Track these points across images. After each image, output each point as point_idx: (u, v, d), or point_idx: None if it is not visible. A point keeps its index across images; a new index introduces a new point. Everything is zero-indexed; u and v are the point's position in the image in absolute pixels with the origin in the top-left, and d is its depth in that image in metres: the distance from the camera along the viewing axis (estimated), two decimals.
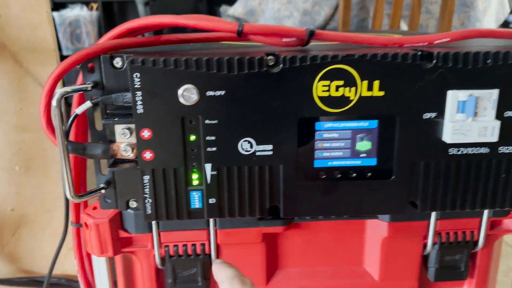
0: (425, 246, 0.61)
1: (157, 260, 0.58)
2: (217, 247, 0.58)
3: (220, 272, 0.43)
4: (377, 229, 0.59)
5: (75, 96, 0.47)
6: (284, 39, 0.46)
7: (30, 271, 0.77)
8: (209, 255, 0.58)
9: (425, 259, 0.62)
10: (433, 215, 0.58)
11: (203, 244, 0.57)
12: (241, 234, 0.57)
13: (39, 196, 0.74)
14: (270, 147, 0.44)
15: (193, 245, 0.58)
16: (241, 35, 0.45)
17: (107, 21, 3.51)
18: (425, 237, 0.60)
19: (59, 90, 0.42)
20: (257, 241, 0.58)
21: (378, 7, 1.55)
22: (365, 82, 0.43)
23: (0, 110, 0.68)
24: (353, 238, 0.61)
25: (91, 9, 3.58)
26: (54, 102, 0.42)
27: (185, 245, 0.57)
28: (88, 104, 0.44)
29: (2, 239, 0.75)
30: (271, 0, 1.67)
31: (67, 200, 0.48)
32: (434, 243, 0.60)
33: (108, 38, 0.46)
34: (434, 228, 0.59)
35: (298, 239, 0.60)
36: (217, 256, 0.59)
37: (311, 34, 0.45)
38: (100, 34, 3.52)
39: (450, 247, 0.60)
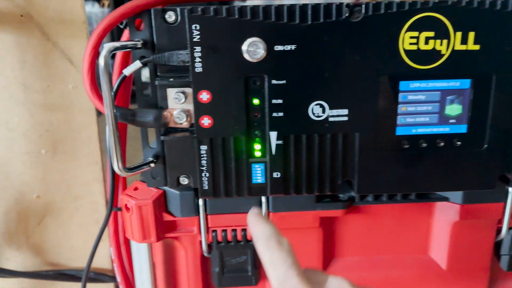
0: (498, 231, 0.54)
1: (204, 247, 0.52)
2: None
3: (255, 227, 0.37)
4: (447, 212, 0.53)
5: (118, 57, 0.41)
6: None
7: (57, 263, 0.72)
8: None
9: (496, 246, 0.56)
10: (510, 195, 0.51)
11: None
12: (297, 218, 0.51)
13: (67, 182, 0.68)
14: (345, 111, 0.39)
15: (243, 230, 0.52)
16: None
17: None
18: (499, 221, 0.54)
19: (107, 45, 0.36)
20: (314, 225, 0.52)
21: None
22: (459, 34, 0.37)
23: (25, 88, 0.63)
24: (419, 223, 0.55)
25: (103, 6, 3.56)
26: (101, 60, 0.36)
27: (234, 230, 0.52)
28: (137, 64, 0.38)
29: (27, 229, 0.69)
30: None
31: (113, 175, 0.42)
32: (509, 228, 0.54)
33: None
34: (510, 210, 0.52)
35: (358, 224, 0.54)
36: None
37: None
38: (112, 31, 3.48)
39: None
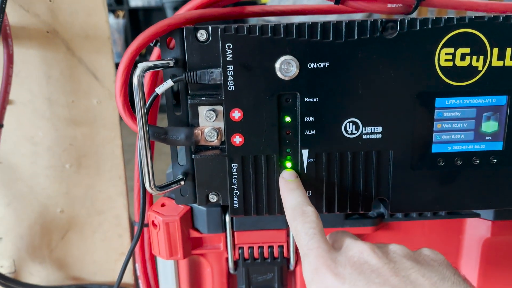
0: None
1: (230, 264, 0.52)
2: (297, 250, 0.52)
3: (283, 196, 0.38)
4: (478, 228, 0.52)
5: (147, 76, 0.41)
6: (389, 5, 0.40)
7: (80, 277, 0.72)
8: (288, 258, 0.52)
9: None
10: None
11: (281, 246, 0.51)
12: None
13: (91, 197, 0.68)
14: (379, 129, 0.38)
15: (270, 247, 0.51)
16: (340, 1, 0.39)
17: (133, 29, 3.52)
18: None
19: (141, 64, 0.36)
20: None
21: None
22: (496, 50, 0.36)
23: (51, 102, 0.63)
24: (449, 240, 0.54)
25: (117, 16, 3.60)
26: (135, 79, 0.36)
27: (261, 247, 0.51)
28: (169, 83, 0.38)
29: (51, 243, 0.70)
30: None
31: (144, 193, 0.42)
32: None
33: (187, 9, 0.41)
34: None
35: (387, 241, 0.53)
36: (296, 262, 0.52)
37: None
38: (127, 42, 3.53)
39: None
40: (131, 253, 0.46)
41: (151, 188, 0.38)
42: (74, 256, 0.71)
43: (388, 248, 0.34)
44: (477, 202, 0.40)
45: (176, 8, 2.50)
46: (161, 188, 0.39)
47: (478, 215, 0.51)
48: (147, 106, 0.39)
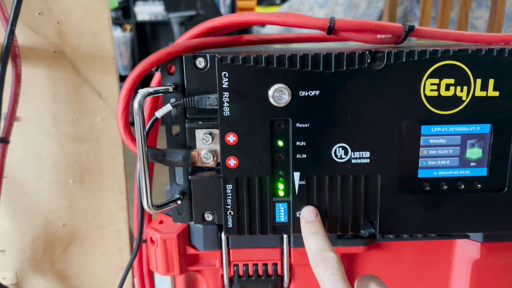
0: None
1: (225, 280, 0.53)
2: (291, 268, 0.53)
3: (304, 239, 0.39)
4: (467, 250, 0.53)
5: (148, 100, 0.44)
6: (379, 36, 0.42)
7: None
8: (282, 276, 0.53)
9: None
10: None
11: (275, 264, 0.53)
12: None
13: (93, 211, 0.70)
14: (367, 154, 0.40)
15: (265, 264, 0.53)
16: (331, 31, 0.41)
17: (139, 42, 3.57)
18: None
19: (142, 91, 0.38)
20: None
21: (424, 22, 1.51)
22: (479, 81, 0.38)
23: (56, 120, 0.66)
24: (439, 260, 0.55)
25: (125, 30, 3.66)
26: (135, 104, 0.38)
27: (255, 265, 0.53)
28: (169, 107, 0.40)
29: (53, 256, 0.71)
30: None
31: (142, 212, 0.44)
32: None
33: (187, 37, 0.43)
34: None
35: (379, 261, 0.55)
36: (290, 279, 0.53)
37: (410, 30, 0.41)
38: (133, 55, 3.58)
39: None
40: (129, 267, 0.47)
41: (149, 208, 0.40)
42: (76, 269, 0.73)
43: None
44: (463, 225, 0.42)
45: (182, 23, 2.55)
46: (158, 207, 0.41)
47: (468, 237, 0.52)
48: (146, 129, 0.41)
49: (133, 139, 0.41)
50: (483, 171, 0.40)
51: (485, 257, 0.52)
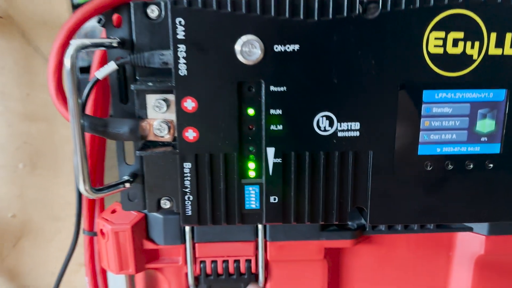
0: None
1: (190, 280, 0.46)
2: (266, 265, 0.46)
3: None
4: (470, 244, 0.47)
5: (96, 57, 0.36)
6: None
7: None
8: (256, 274, 0.46)
9: None
10: None
11: (248, 261, 0.45)
12: (298, 248, 0.45)
13: (47, 201, 0.63)
14: (357, 125, 0.33)
15: (236, 261, 0.45)
16: None
17: None
18: None
19: (74, 42, 0.31)
20: (318, 257, 0.45)
21: None
22: (494, 35, 0.31)
23: (3, 95, 0.58)
24: (437, 257, 0.49)
25: None
26: (67, 60, 0.30)
27: (225, 261, 0.45)
28: (112, 65, 0.33)
29: (2, 251, 0.63)
30: None
31: (79, 197, 0.36)
32: None
33: None
34: None
35: (369, 256, 0.48)
36: (266, 278, 0.46)
37: None
38: None
39: None
40: (66, 264, 0.40)
41: (86, 191, 0.32)
42: (28, 266, 0.65)
43: None
44: (470, 214, 0.35)
45: None
46: (99, 190, 0.33)
47: (470, 229, 0.46)
48: (85, 93, 0.33)
49: (66, 104, 0.33)
50: (495, 148, 0.34)
51: (490, 253, 0.46)
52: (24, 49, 0.57)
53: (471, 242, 0.47)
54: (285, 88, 0.32)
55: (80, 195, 0.36)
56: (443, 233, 0.47)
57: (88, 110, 0.37)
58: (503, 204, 0.35)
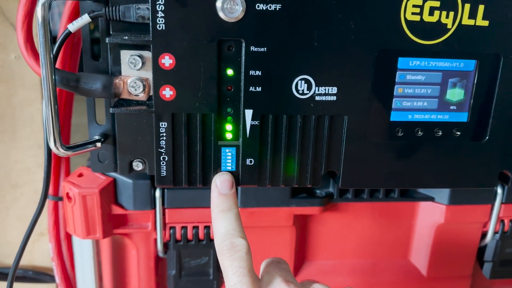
0: (483, 236, 0.51)
1: (159, 246, 0.45)
2: None
3: (213, 213, 0.33)
4: (431, 213, 0.49)
5: (66, 9, 0.34)
6: None
7: None
8: None
9: (479, 252, 0.52)
10: (499, 197, 0.48)
11: None
12: (268, 215, 0.45)
13: (4, 167, 0.59)
14: (334, 89, 0.33)
15: (206, 227, 0.45)
16: None
17: None
18: (485, 225, 0.50)
19: None
20: (287, 224, 0.46)
21: None
22: (468, 6, 0.32)
23: None
24: (400, 225, 0.51)
25: None
26: (39, 11, 0.29)
27: (195, 227, 0.45)
28: (86, 18, 0.31)
29: None
30: None
31: (49, 155, 0.34)
32: (494, 232, 0.50)
33: None
34: (498, 213, 0.48)
35: (335, 224, 0.49)
36: None
37: None
38: None
39: None
40: (31, 229, 0.38)
41: (57, 148, 0.31)
42: None
43: None
44: (436, 180, 0.36)
45: None
46: (70, 148, 0.32)
47: (432, 199, 0.48)
48: (56, 46, 0.31)
49: (37, 56, 0.32)
50: (463, 116, 0.35)
51: (449, 222, 0.48)
52: None
53: (432, 211, 0.49)
54: (265, 49, 0.31)
55: (49, 156, 0.34)
56: (406, 203, 0.49)
57: (59, 65, 0.35)
58: (468, 171, 0.36)
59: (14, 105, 0.57)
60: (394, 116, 0.34)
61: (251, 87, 0.32)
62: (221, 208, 0.32)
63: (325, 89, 0.33)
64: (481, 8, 0.32)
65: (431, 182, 0.36)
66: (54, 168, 0.44)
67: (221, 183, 0.33)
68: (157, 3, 0.30)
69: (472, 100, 0.35)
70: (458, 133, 0.35)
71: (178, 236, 0.45)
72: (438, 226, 0.48)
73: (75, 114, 0.44)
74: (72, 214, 0.42)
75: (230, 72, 0.32)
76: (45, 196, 0.36)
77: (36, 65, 0.32)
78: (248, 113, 0.33)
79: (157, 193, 0.43)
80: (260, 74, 0.32)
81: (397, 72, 0.33)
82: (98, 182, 0.41)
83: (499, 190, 0.47)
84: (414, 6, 0.32)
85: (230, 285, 0.30)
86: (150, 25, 0.30)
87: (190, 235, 0.45)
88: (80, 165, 0.44)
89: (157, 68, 0.31)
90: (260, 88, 0.32)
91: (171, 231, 0.45)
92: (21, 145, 0.59)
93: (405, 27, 0.32)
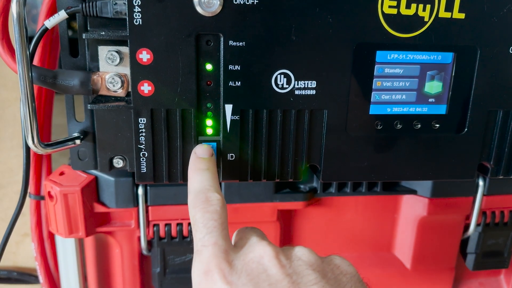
0: (465, 228, 0.51)
1: (143, 244, 0.45)
2: None
3: (189, 172, 0.31)
4: (414, 206, 0.49)
5: (44, 6, 0.34)
6: None
7: None
8: None
9: (463, 244, 0.53)
10: (481, 189, 0.48)
11: None
12: (252, 210, 0.45)
13: None
14: (313, 84, 0.33)
15: (190, 224, 0.45)
16: None
17: None
18: (467, 217, 0.50)
19: None
20: (271, 219, 0.46)
21: None
22: None
23: None
24: (383, 218, 0.51)
25: None
26: (14, 6, 0.28)
27: (179, 224, 0.45)
28: (62, 14, 0.31)
29: None
30: None
31: (28, 156, 0.34)
32: (477, 225, 0.50)
33: None
34: (480, 205, 0.49)
35: (319, 218, 0.49)
36: None
37: None
38: None
39: (495, 228, 0.51)
40: (10, 229, 0.38)
41: (35, 145, 0.31)
42: None
43: (293, 253, 0.29)
44: (416, 172, 0.37)
45: None
46: (48, 145, 0.32)
47: (415, 192, 0.48)
48: (33, 42, 0.31)
49: (13, 53, 0.31)
50: (442, 109, 0.35)
51: (432, 214, 0.48)
52: None
53: (415, 205, 0.49)
54: (244, 43, 0.31)
55: (28, 154, 0.34)
56: (389, 196, 0.49)
57: (37, 62, 0.34)
58: (447, 163, 0.37)
59: None
60: (373, 110, 0.34)
61: (230, 82, 0.32)
62: (197, 167, 0.31)
63: (304, 83, 0.33)
64: (457, 1, 0.33)
65: (411, 175, 0.37)
66: (36, 167, 0.43)
67: (200, 150, 0.32)
68: None
69: (450, 93, 0.35)
70: (437, 125, 0.36)
71: (162, 233, 0.45)
72: (421, 219, 0.49)
73: (60, 115, 0.44)
74: (54, 213, 0.42)
75: (209, 66, 0.32)
76: (24, 195, 0.35)
77: (13, 62, 0.31)
78: (228, 108, 0.33)
79: (140, 190, 0.43)
80: (239, 68, 0.32)
81: (376, 66, 0.33)
82: (80, 180, 0.41)
83: (481, 182, 0.48)
84: None
85: (199, 238, 0.27)
86: (127, 20, 0.30)
87: (174, 232, 0.45)
88: (63, 164, 0.43)
89: (134, 64, 0.31)
90: (239, 82, 0.32)
91: (155, 228, 0.45)
92: (4, 146, 0.58)
93: (382, 21, 0.32)
